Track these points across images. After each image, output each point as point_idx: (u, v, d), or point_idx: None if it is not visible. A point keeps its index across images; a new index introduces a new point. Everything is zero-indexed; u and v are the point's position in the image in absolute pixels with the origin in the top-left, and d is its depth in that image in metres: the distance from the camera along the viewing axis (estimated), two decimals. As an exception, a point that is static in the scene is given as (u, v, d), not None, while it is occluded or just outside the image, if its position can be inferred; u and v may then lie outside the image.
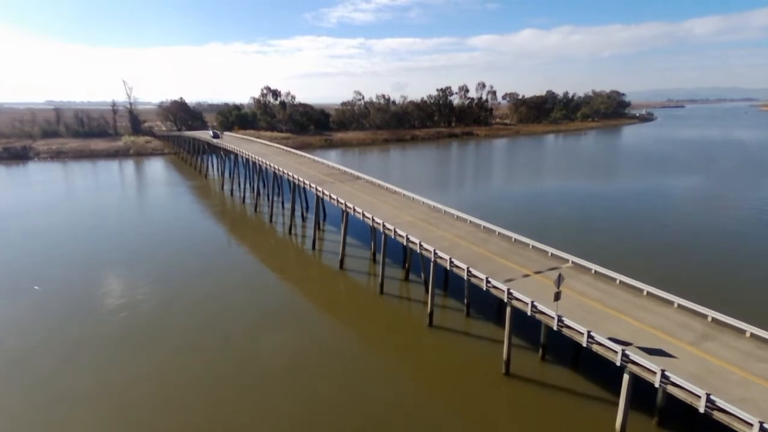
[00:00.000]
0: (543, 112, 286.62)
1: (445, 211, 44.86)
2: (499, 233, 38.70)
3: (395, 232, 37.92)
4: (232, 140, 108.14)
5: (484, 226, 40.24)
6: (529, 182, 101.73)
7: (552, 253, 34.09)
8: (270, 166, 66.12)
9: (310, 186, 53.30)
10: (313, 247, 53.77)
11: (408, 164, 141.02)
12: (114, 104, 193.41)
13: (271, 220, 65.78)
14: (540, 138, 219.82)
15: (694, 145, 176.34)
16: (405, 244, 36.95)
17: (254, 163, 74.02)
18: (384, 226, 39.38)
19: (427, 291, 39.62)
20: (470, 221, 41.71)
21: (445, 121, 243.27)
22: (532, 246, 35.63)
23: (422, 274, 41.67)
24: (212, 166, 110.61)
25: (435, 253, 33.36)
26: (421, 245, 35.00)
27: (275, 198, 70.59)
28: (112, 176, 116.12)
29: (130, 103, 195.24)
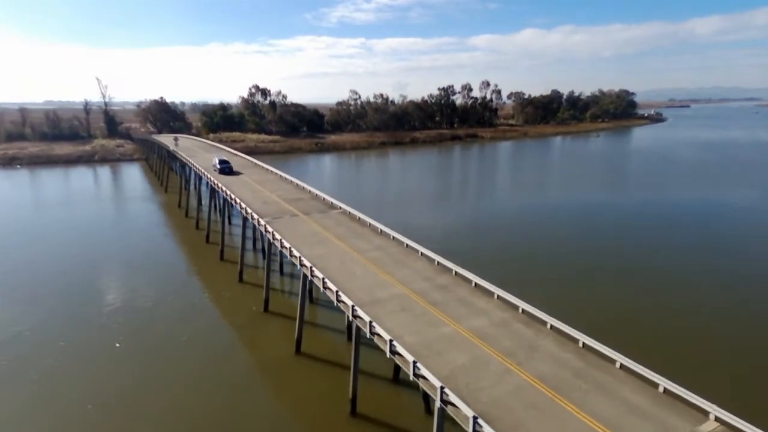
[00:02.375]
0: (549, 112, 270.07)
1: (456, 272, 28.45)
2: (552, 326, 22.37)
3: (371, 328, 21.76)
4: (190, 147, 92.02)
5: (523, 310, 23.89)
6: (558, 199, 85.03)
7: (666, 388, 17.85)
8: (217, 185, 49.91)
9: (258, 222, 37.04)
10: (266, 308, 37.69)
11: (406, 172, 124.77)
12: (86, 104, 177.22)
13: (222, 257, 49.75)
14: (549, 140, 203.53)
15: (723, 149, 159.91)
16: (389, 355, 20.74)
17: (206, 181, 57.82)
18: (354, 312, 23.20)
19: (428, 411, 23.94)
20: (498, 296, 25.36)
21: (447, 121, 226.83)
22: (621, 364, 19.34)
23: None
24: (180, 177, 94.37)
25: (443, 393, 17.25)
26: (416, 368, 18.80)
27: (228, 224, 54.83)
28: (50, 189, 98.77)
29: (106, 103, 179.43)
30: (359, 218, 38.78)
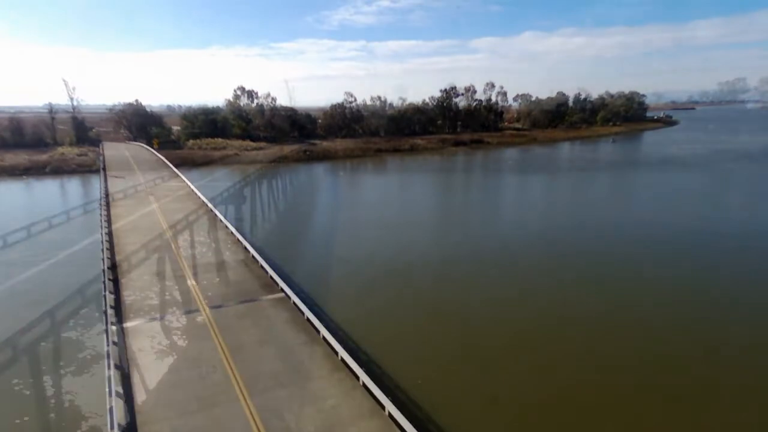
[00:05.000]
0: (557, 116, 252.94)
1: None
2: None
3: None
4: (127, 163, 75.16)
5: None
6: (620, 235, 67.18)
7: None
8: (104, 254, 32.48)
9: (109, 327, 20.03)
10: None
11: (406, 189, 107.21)
12: (51, 108, 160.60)
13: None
14: (563, 147, 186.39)
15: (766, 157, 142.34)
16: None
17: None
18: None
19: None
20: None
21: (449, 126, 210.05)
22: None
23: None
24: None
25: None
26: None
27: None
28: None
29: (73, 107, 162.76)
30: (307, 318, 21.71)
